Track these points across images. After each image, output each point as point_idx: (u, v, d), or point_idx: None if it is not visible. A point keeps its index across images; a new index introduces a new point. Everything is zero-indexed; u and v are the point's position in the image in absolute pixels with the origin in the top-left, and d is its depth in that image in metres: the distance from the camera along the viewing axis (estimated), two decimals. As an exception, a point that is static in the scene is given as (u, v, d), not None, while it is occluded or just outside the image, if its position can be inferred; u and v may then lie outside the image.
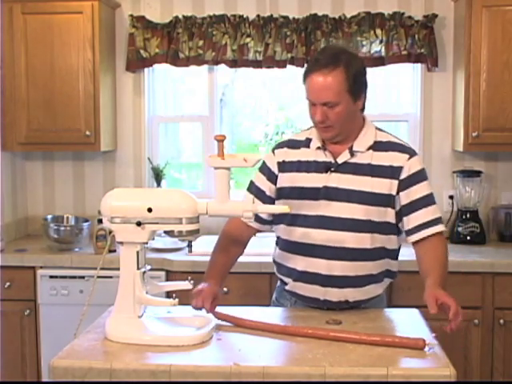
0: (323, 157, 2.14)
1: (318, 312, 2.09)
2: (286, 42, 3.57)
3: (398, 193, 2.10)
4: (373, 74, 3.71)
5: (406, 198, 2.09)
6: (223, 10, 3.66)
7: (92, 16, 3.45)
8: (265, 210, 2.07)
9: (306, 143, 2.19)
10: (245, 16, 3.61)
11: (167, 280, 3.19)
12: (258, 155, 2.03)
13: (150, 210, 1.85)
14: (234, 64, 3.63)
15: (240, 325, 1.96)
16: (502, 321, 3.11)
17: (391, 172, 2.09)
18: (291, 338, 1.86)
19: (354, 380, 1.64)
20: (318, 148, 2.15)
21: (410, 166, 2.10)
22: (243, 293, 3.11)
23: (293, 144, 2.22)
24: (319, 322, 1.97)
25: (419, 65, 3.68)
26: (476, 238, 3.54)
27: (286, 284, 2.21)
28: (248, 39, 3.59)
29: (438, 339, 1.84)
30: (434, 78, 3.69)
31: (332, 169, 2.11)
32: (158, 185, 3.76)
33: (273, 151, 2.25)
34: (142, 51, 3.65)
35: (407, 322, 2.03)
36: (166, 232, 1.90)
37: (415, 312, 2.11)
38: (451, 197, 3.68)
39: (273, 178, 2.21)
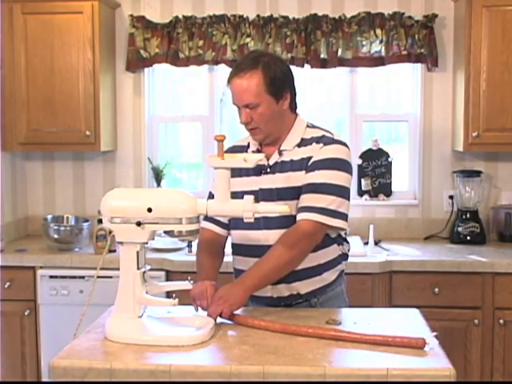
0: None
1: (318, 312, 2.09)
2: (285, 42, 3.57)
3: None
4: (373, 73, 3.74)
5: (303, 180, 2.10)
6: (223, 10, 3.67)
7: (92, 16, 3.46)
8: (265, 210, 2.06)
9: (247, 148, 2.27)
10: (245, 16, 3.61)
11: (167, 280, 3.19)
12: (258, 155, 2.03)
13: (149, 210, 1.85)
14: (233, 64, 3.62)
15: (241, 323, 1.96)
16: (501, 321, 3.11)
17: (305, 163, 2.13)
18: (291, 337, 1.86)
19: (353, 380, 1.64)
20: (253, 152, 2.23)
21: (318, 153, 2.12)
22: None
23: (236, 150, 2.29)
24: (319, 322, 1.97)
25: (419, 65, 3.68)
26: (476, 237, 3.54)
27: None
28: (248, 39, 3.59)
29: (438, 339, 1.84)
30: (434, 78, 3.69)
31: (264, 171, 2.18)
32: (158, 185, 3.76)
33: None
34: (141, 51, 3.66)
35: (407, 321, 2.03)
36: (165, 232, 1.91)
37: (415, 312, 2.11)
38: (451, 197, 3.68)
39: None
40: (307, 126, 2.22)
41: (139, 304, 1.89)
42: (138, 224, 1.85)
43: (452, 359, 1.71)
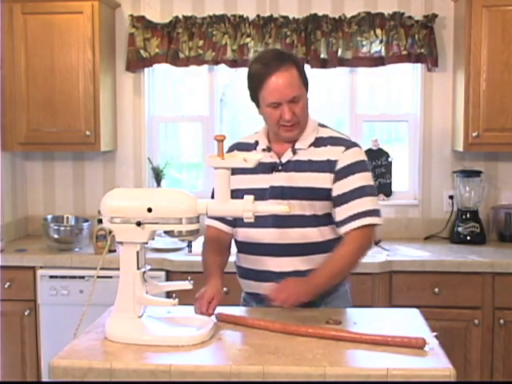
0: (269, 158, 2.19)
1: (318, 312, 2.09)
2: (286, 42, 3.57)
3: (332, 185, 2.13)
4: (373, 73, 3.73)
5: (337, 189, 2.12)
6: (223, 10, 3.67)
7: (92, 16, 3.46)
8: (265, 210, 2.06)
9: (255, 146, 2.25)
10: (245, 16, 3.61)
11: (167, 280, 3.19)
12: (257, 155, 2.03)
13: (149, 210, 1.85)
14: (233, 64, 3.63)
15: (241, 323, 1.96)
16: (501, 321, 3.12)
17: (328, 166, 2.14)
18: (291, 337, 1.86)
19: (353, 380, 1.64)
20: (264, 150, 2.21)
21: (344, 159, 2.13)
22: (243, 293, 3.11)
23: (241, 147, 2.28)
24: (319, 322, 1.97)
25: (419, 65, 3.68)
26: (476, 237, 3.54)
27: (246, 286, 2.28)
28: (248, 39, 3.59)
29: (438, 339, 1.84)
30: (434, 78, 3.69)
31: (276, 169, 2.17)
32: (158, 185, 3.76)
33: (227, 153, 2.27)
34: (142, 51, 3.66)
35: (407, 321, 2.03)
36: (165, 232, 1.91)
37: (415, 312, 2.10)
38: (451, 197, 3.68)
39: None
40: (318, 125, 2.23)
41: (139, 304, 1.89)
42: (138, 224, 1.85)
43: (452, 359, 1.71)
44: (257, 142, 2.25)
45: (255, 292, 2.20)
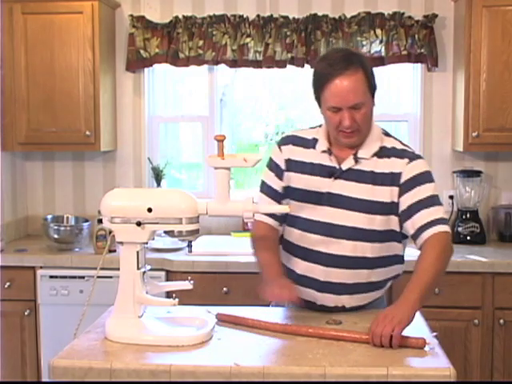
0: (328, 161, 2.10)
1: (318, 312, 2.09)
2: (285, 41, 3.57)
3: (398, 198, 2.05)
4: (373, 73, 3.73)
5: (407, 200, 2.03)
6: (223, 10, 3.66)
7: (92, 16, 3.45)
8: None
9: (313, 144, 2.14)
10: (245, 16, 3.61)
11: (167, 280, 3.19)
12: (258, 155, 2.03)
13: (149, 210, 1.85)
14: (234, 64, 3.63)
15: (241, 323, 1.96)
16: (501, 321, 3.11)
17: (391, 179, 2.05)
18: (291, 337, 1.86)
19: (354, 380, 1.64)
20: (324, 151, 2.11)
21: (409, 171, 2.05)
22: (243, 293, 3.11)
23: (298, 142, 2.17)
24: (319, 322, 1.97)
25: (419, 65, 3.68)
26: (476, 237, 3.54)
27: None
28: (248, 39, 3.59)
29: (438, 339, 1.84)
30: (434, 78, 3.69)
31: (336, 175, 2.08)
32: (158, 185, 3.76)
33: (279, 147, 2.20)
34: (142, 51, 3.65)
35: (407, 321, 2.02)
36: (165, 232, 1.90)
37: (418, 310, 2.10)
38: (451, 197, 3.68)
39: (281, 175, 2.17)
40: (382, 133, 2.14)
41: (139, 304, 1.89)
42: (138, 224, 1.85)
43: (452, 359, 1.72)
44: (315, 140, 2.14)
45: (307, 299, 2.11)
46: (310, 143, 2.15)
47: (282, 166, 2.17)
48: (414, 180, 2.05)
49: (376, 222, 2.05)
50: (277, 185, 2.18)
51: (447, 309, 3.12)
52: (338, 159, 2.09)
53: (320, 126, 2.18)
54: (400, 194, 2.05)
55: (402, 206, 2.04)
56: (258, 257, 2.17)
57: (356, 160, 2.07)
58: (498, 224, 3.66)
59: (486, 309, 3.13)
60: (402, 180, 2.05)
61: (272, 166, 2.20)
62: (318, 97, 2.05)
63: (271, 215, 2.16)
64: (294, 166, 2.13)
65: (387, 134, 2.16)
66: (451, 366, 1.66)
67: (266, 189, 2.20)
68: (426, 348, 1.77)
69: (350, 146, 2.08)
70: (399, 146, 2.12)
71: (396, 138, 2.17)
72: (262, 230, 2.18)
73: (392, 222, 2.07)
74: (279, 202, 2.15)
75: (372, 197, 2.05)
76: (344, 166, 2.08)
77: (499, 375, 3.15)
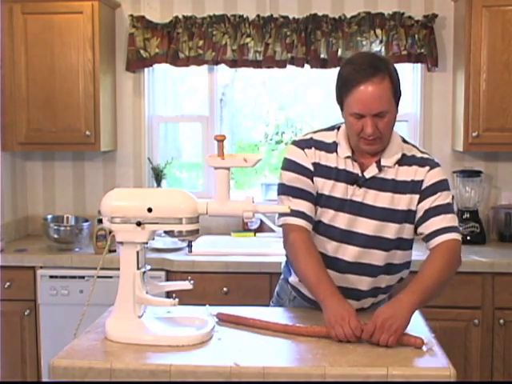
0: (351, 167, 2.06)
1: (318, 312, 2.09)
2: (286, 41, 3.57)
3: (417, 205, 2.05)
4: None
5: (423, 207, 2.04)
6: (223, 10, 3.67)
7: (92, 16, 3.45)
8: (265, 209, 2.07)
9: (334, 148, 2.09)
10: (245, 16, 3.61)
11: (167, 280, 3.19)
12: (258, 155, 2.02)
13: (150, 210, 1.85)
14: (234, 64, 3.63)
15: (241, 323, 1.96)
16: (501, 321, 3.11)
17: (412, 186, 2.05)
18: (291, 337, 1.86)
19: (353, 380, 1.64)
20: (346, 158, 2.07)
21: (430, 178, 2.05)
22: (243, 293, 3.11)
23: (320, 146, 2.10)
24: (319, 322, 1.97)
25: (419, 65, 3.68)
26: (476, 238, 3.54)
27: (290, 275, 2.19)
28: (248, 39, 3.59)
29: (437, 339, 1.84)
30: (434, 77, 3.70)
31: (359, 182, 2.05)
32: (158, 185, 3.76)
33: (303, 150, 2.10)
34: (142, 51, 3.65)
35: (407, 321, 2.02)
36: (166, 232, 1.90)
37: (415, 312, 2.10)
38: (451, 197, 3.67)
39: (311, 177, 2.09)
40: (402, 140, 2.11)
41: (139, 304, 1.89)
42: (138, 224, 1.85)
43: (452, 359, 1.72)
44: (335, 144, 2.09)
45: (313, 299, 2.06)
46: (332, 147, 2.09)
47: (312, 169, 2.09)
48: (435, 186, 2.05)
49: (388, 230, 2.05)
50: (311, 188, 2.09)
51: (447, 309, 3.12)
52: (360, 166, 2.06)
53: (336, 127, 2.13)
54: (419, 201, 2.05)
55: (420, 211, 2.05)
56: (302, 268, 2.04)
57: (380, 168, 2.05)
58: (498, 224, 3.66)
59: (485, 309, 3.13)
60: (423, 187, 2.05)
61: (300, 169, 2.09)
62: (341, 101, 2.01)
63: (303, 216, 2.06)
64: (319, 170, 2.07)
65: (405, 141, 2.14)
66: (451, 366, 1.66)
67: (299, 193, 2.08)
68: (424, 348, 1.77)
69: (371, 153, 2.05)
70: (418, 154, 2.11)
71: (414, 145, 2.15)
72: (301, 233, 2.06)
73: (405, 231, 2.07)
74: (317, 205, 2.08)
75: (390, 205, 2.04)
76: (367, 174, 2.05)
77: (499, 375, 3.15)
